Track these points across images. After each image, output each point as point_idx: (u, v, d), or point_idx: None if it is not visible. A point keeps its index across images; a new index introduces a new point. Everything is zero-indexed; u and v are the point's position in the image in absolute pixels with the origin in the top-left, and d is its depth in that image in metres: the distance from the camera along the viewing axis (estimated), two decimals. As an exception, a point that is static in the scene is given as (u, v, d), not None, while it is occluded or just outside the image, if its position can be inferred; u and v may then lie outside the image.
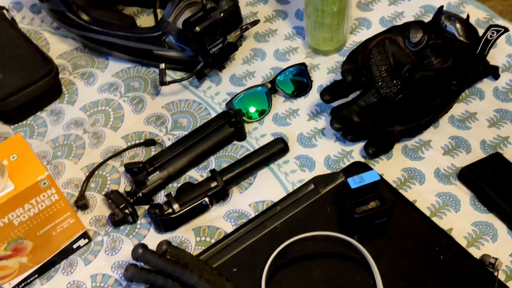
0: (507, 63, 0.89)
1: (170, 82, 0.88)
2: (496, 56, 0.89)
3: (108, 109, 0.91)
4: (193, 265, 0.65)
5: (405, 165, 0.79)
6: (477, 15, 0.96)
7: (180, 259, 0.67)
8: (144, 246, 0.68)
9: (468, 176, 0.75)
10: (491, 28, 0.78)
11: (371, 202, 0.69)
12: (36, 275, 0.71)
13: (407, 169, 0.78)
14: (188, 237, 0.74)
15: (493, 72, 0.86)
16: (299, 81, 0.91)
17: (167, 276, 0.65)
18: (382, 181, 0.71)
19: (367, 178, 0.66)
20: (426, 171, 0.78)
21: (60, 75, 0.94)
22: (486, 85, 0.87)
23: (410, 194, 0.75)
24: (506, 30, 0.78)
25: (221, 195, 0.77)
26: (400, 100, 0.76)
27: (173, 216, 0.74)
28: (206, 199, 0.75)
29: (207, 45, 0.85)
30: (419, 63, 0.77)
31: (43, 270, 0.72)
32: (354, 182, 0.66)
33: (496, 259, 0.65)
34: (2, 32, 0.93)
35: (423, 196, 0.75)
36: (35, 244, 0.68)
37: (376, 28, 0.96)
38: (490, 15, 0.96)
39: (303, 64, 0.92)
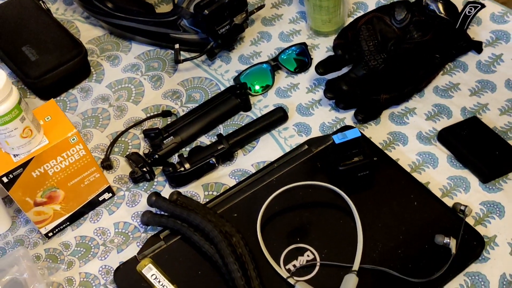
0: (490, 38, 0.97)
1: (183, 60, 0.99)
2: (480, 32, 0.97)
3: (131, 86, 1.03)
4: (198, 210, 0.76)
5: (391, 129, 0.88)
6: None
7: (188, 205, 0.77)
8: (157, 194, 0.79)
9: (446, 136, 0.83)
10: (469, 5, 0.86)
11: (354, 158, 0.78)
12: (68, 223, 0.83)
13: (392, 133, 0.87)
14: (197, 191, 0.85)
15: (476, 47, 0.94)
16: (300, 59, 1.01)
17: (177, 219, 0.76)
18: (365, 140, 0.80)
19: (349, 135, 0.76)
20: (409, 134, 0.87)
21: (89, 58, 1.06)
22: (470, 58, 0.95)
23: (393, 154, 0.84)
24: (483, 6, 0.87)
25: (226, 156, 0.87)
26: (385, 71, 0.85)
27: (185, 173, 0.85)
28: (213, 159, 0.86)
29: (215, 26, 0.96)
30: (402, 37, 0.86)
31: (74, 218, 0.84)
32: (338, 138, 0.76)
33: (466, 206, 0.74)
34: (39, 20, 1.06)
35: (405, 155, 0.84)
36: (66, 194, 0.80)
37: (372, 10, 1.05)
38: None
39: (304, 44, 1.01)
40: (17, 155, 0.72)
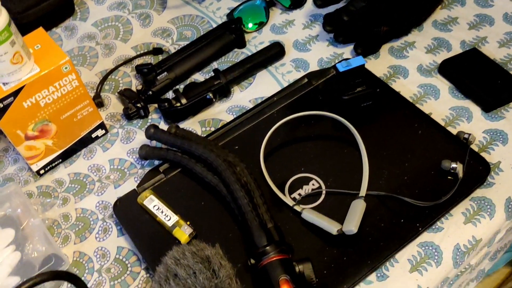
0: (488, -27, 0.96)
1: (174, -5, 0.95)
2: (477, -33, 0.96)
3: (118, 24, 0.98)
4: (199, 141, 0.73)
5: (391, 63, 0.86)
6: None
7: (188, 137, 0.75)
8: (156, 126, 0.76)
9: (448, 67, 0.82)
10: None
11: (358, 88, 0.76)
12: (60, 160, 0.80)
13: (392, 66, 0.86)
14: (194, 128, 0.83)
15: (474, -19, 0.93)
16: (295, -5, 0.98)
17: (177, 151, 0.74)
18: (368, 72, 0.79)
19: (353, 62, 0.74)
20: (410, 67, 0.85)
21: (72, -5, 1.01)
22: (467, -7, 0.94)
23: (394, 86, 0.83)
24: None
25: (223, 92, 0.85)
26: (385, 2, 0.83)
27: (181, 108, 0.82)
28: (210, 93, 0.83)
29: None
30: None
31: (66, 155, 0.80)
32: (342, 66, 0.74)
33: (470, 134, 0.73)
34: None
35: (406, 87, 0.83)
36: (58, 128, 0.76)
37: None
38: None
39: (298, -21, 0.98)
40: (6, 83, 0.68)
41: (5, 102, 0.68)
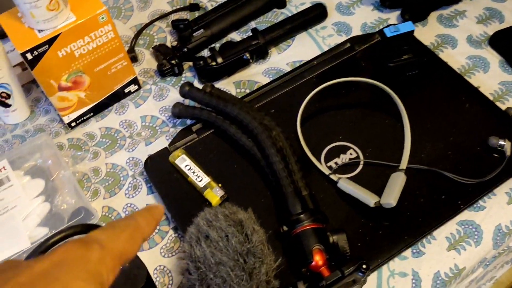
0: None
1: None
2: None
3: (155, -23, 0.95)
4: (235, 102, 0.71)
5: (439, 32, 0.82)
6: None
7: (223, 97, 0.72)
8: (191, 84, 0.74)
9: (499, 40, 0.77)
10: None
11: (404, 56, 0.73)
12: (92, 113, 0.79)
13: (440, 35, 0.81)
14: (229, 88, 0.80)
15: None
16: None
17: (211, 111, 0.72)
18: (415, 40, 0.75)
19: (402, 28, 0.70)
20: (459, 37, 0.81)
21: None
22: (526, -39, 0.88)
23: (441, 56, 0.78)
24: None
25: (261, 53, 0.82)
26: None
27: (216, 67, 0.79)
28: (247, 54, 0.80)
29: None
30: None
31: (98, 109, 0.79)
32: (390, 31, 0.70)
33: (520, 111, 0.69)
34: None
35: (454, 58, 0.78)
36: (92, 80, 0.74)
37: None
38: None
39: None
40: (42, 30, 0.66)
41: (40, 50, 0.66)
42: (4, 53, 0.72)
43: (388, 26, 0.72)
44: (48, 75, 0.69)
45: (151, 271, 0.63)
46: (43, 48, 0.66)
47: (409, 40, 0.71)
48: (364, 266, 0.53)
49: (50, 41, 0.66)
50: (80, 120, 0.78)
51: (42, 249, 0.41)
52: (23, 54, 0.65)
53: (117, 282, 0.47)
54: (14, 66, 0.78)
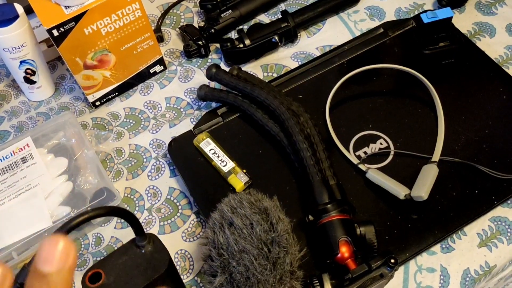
0: None
1: None
2: None
3: (183, -45, 0.93)
4: (263, 85, 0.69)
5: (477, 19, 0.78)
6: None
7: (251, 80, 0.70)
8: (218, 66, 0.72)
9: (542, 29, 0.74)
10: None
11: (440, 43, 0.70)
12: (116, 93, 0.77)
13: (478, 23, 0.78)
14: (256, 72, 0.78)
15: None
16: None
17: (237, 94, 0.70)
18: (453, 27, 0.71)
19: (440, 14, 0.67)
20: (497, 26, 0.77)
21: None
22: None
23: (479, 45, 0.75)
24: None
25: (290, 35, 0.79)
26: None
27: (244, 49, 0.77)
28: (276, 37, 0.78)
29: None
30: None
31: (123, 89, 0.77)
32: (427, 17, 0.67)
33: (561, 105, 0.66)
34: None
35: (492, 47, 0.75)
36: (117, 59, 0.73)
37: None
38: None
39: None
40: (69, 7, 0.65)
41: (66, 27, 0.65)
42: (30, 28, 0.71)
43: (425, 11, 0.69)
44: (73, 52, 0.68)
45: (172, 255, 0.62)
46: (70, 25, 0.65)
47: (446, 27, 0.68)
48: (392, 261, 0.52)
49: (77, 18, 0.65)
50: (104, 100, 0.77)
51: (65, 229, 0.40)
52: (49, 31, 0.64)
53: (138, 266, 0.46)
54: (40, 42, 0.77)
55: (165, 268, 0.47)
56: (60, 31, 0.65)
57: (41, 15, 0.64)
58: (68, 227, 0.40)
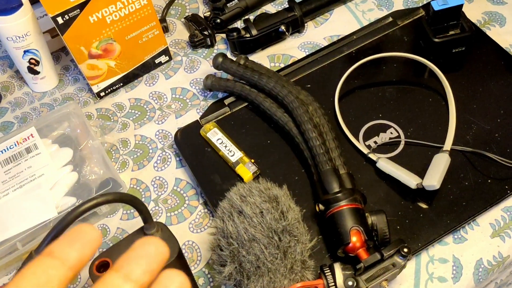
0: None
1: None
2: None
3: None
4: (270, 74, 0.68)
5: (486, 9, 0.77)
6: None
7: (258, 70, 0.69)
8: (224, 55, 0.71)
9: (554, 18, 0.73)
10: None
11: (450, 31, 0.68)
12: (121, 84, 0.76)
13: (488, 13, 0.77)
14: (263, 62, 0.77)
15: None
16: None
17: (245, 84, 0.69)
18: (463, 15, 0.70)
19: (451, 1, 0.66)
20: (508, 15, 0.76)
21: None
22: None
23: (489, 34, 0.74)
24: None
25: (297, 25, 0.78)
26: None
27: (250, 39, 0.76)
28: (283, 26, 0.77)
29: None
30: None
31: (128, 79, 0.76)
32: (438, 4, 0.66)
33: None
34: None
35: (502, 37, 0.74)
36: (122, 49, 0.72)
37: None
38: None
39: None
40: (73, -6, 0.64)
41: (71, 14, 0.64)
42: (34, 17, 0.70)
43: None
44: (78, 41, 0.67)
45: (179, 246, 0.61)
46: (74, 12, 0.64)
47: (457, 14, 0.67)
48: (405, 250, 0.50)
49: (82, 5, 0.64)
50: (109, 90, 0.76)
51: (73, 215, 0.39)
52: (53, 18, 0.63)
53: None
54: (44, 33, 0.76)
55: (175, 256, 0.46)
56: (64, 19, 0.64)
57: (45, 3, 0.63)
58: (76, 213, 0.39)
